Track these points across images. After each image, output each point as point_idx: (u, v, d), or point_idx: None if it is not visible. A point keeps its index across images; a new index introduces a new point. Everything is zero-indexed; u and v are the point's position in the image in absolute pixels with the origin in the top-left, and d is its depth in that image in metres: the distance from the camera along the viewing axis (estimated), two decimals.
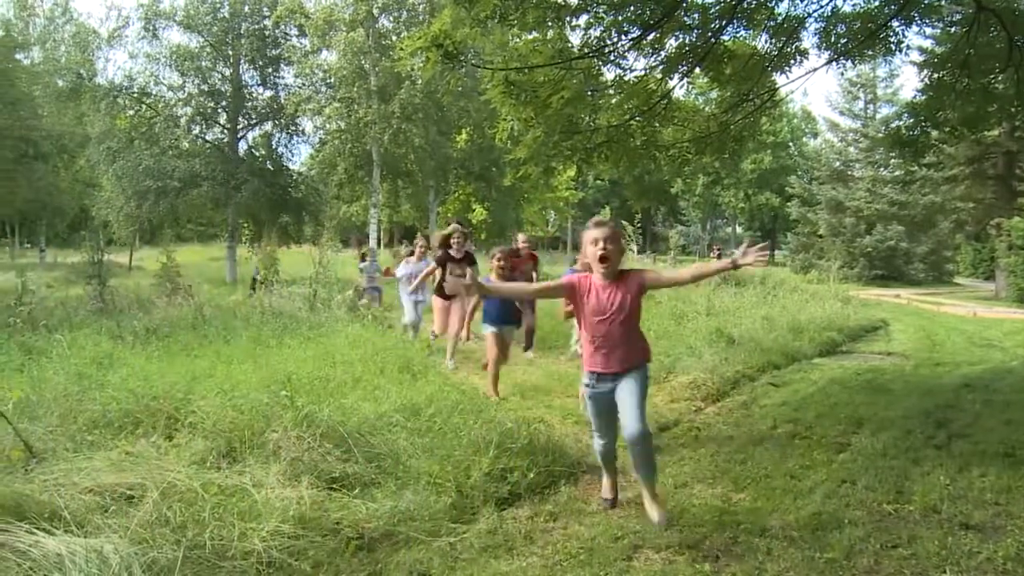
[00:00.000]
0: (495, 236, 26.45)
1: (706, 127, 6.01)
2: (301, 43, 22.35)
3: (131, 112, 21.90)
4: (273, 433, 3.74)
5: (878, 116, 30.37)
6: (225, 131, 22.94)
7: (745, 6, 5.09)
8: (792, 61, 5.49)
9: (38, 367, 4.97)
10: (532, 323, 8.02)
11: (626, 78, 5.36)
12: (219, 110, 22.63)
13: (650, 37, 5.10)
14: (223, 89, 22.45)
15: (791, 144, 52.12)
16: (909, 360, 8.86)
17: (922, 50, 11.91)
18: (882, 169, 29.35)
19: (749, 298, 11.99)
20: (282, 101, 22.59)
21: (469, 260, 7.64)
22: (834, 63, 5.52)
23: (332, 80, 21.08)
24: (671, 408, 5.83)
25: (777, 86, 6.01)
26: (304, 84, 22.17)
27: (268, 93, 23.27)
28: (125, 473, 3.21)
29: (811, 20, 5.41)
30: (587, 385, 3.48)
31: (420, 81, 18.77)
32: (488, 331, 6.13)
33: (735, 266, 3.23)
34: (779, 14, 5.39)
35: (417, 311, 8.81)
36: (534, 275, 8.57)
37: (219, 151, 22.49)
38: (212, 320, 7.65)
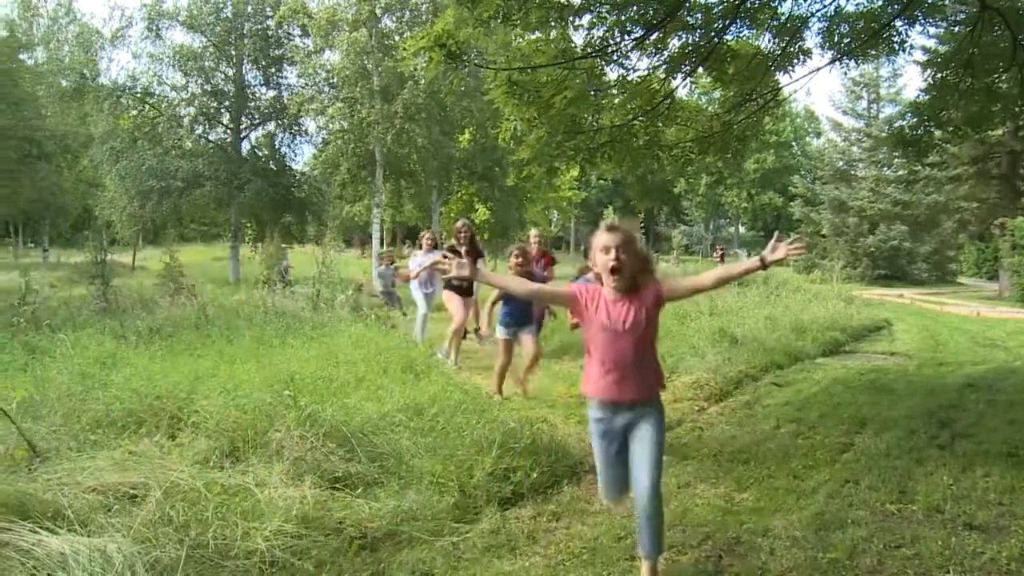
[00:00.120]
0: (498, 236, 26.42)
1: (709, 127, 6.01)
2: (304, 43, 22.35)
3: (134, 112, 21.93)
4: (276, 433, 3.75)
5: (881, 115, 30.38)
6: (228, 131, 22.99)
7: (748, 6, 5.08)
8: (795, 61, 5.50)
9: (41, 367, 4.97)
10: (542, 312, 8.05)
11: (629, 78, 5.37)
12: (222, 110, 22.70)
13: (653, 37, 5.10)
14: (226, 89, 22.51)
15: (794, 144, 52.13)
16: (912, 360, 8.85)
17: (925, 49, 11.86)
18: (885, 169, 29.32)
19: (752, 298, 11.98)
20: (285, 101, 22.59)
21: (475, 253, 7.77)
22: (837, 63, 5.52)
23: (335, 80, 21.06)
24: (674, 408, 5.82)
25: (780, 86, 6.02)
26: (307, 84, 22.17)
27: (271, 93, 23.36)
28: (128, 472, 3.22)
29: (814, 20, 5.42)
30: (598, 420, 2.90)
31: (423, 81, 18.73)
32: (502, 336, 6.15)
33: (764, 266, 2.75)
34: (782, 14, 5.39)
35: (428, 303, 8.88)
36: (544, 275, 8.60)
37: (222, 151, 22.53)
38: (215, 320, 7.65)
